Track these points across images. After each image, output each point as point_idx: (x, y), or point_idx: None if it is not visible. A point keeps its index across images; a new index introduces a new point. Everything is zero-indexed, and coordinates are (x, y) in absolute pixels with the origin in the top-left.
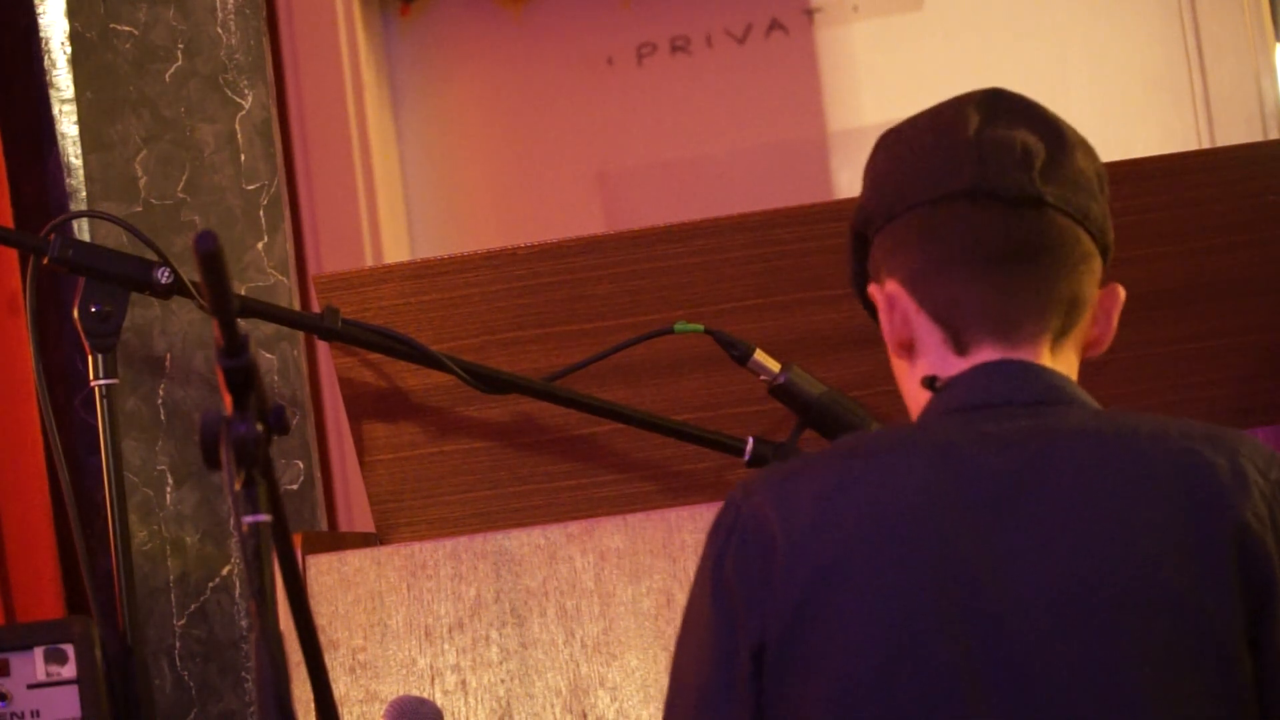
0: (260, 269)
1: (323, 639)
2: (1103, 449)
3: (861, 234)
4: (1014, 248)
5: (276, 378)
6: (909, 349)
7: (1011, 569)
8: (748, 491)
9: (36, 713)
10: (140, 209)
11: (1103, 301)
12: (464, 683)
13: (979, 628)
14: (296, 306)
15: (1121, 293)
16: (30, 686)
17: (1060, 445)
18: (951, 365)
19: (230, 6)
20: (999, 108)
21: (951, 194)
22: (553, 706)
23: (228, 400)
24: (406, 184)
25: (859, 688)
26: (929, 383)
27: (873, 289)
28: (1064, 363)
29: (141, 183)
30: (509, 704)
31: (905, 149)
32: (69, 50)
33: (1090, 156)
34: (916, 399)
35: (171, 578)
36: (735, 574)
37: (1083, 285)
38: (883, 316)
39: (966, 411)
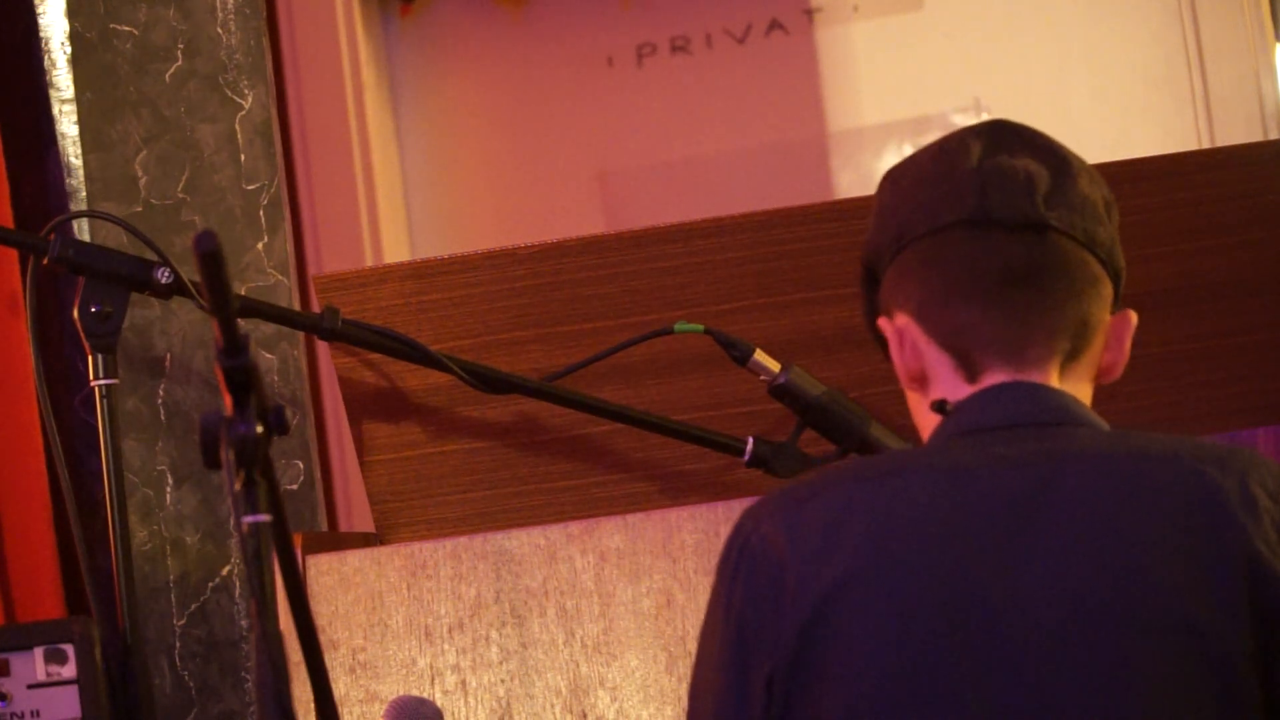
0: (260, 269)
1: (323, 639)
2: (1113, 471)
3: (871, 270)
4: (1017, 272)
5: (276, 378)
6: (921, 380)
7: (1019, 589)
8: (756, 519)
9: (36, 713)
10: (140, 209)
11: (1115, 327)
12: (464, 683)
13: (986, 648)
14: (296, 306)
15: (1134, 318)
16: (30, 686)
17: (1070, 467)
18: (963, 392)
19: (230, 6)
20: (1002, 137)
21: (954, 223)
22: (553, 706)
23: (228, 400)
24: (406, 184)
25: (867, 708)
26: (939, 406)
27: (882, 322)
28: (1074, 387)
29: (141, 183)
30: (509, 704)
31: (909, 183)
32: (69, 50)
33: (1096, 183)
34: (928, 428)
35: (171, 578)
36: (745, 603)
37: (1091, 309)
38: (893, 350)
39: (976, 434)
